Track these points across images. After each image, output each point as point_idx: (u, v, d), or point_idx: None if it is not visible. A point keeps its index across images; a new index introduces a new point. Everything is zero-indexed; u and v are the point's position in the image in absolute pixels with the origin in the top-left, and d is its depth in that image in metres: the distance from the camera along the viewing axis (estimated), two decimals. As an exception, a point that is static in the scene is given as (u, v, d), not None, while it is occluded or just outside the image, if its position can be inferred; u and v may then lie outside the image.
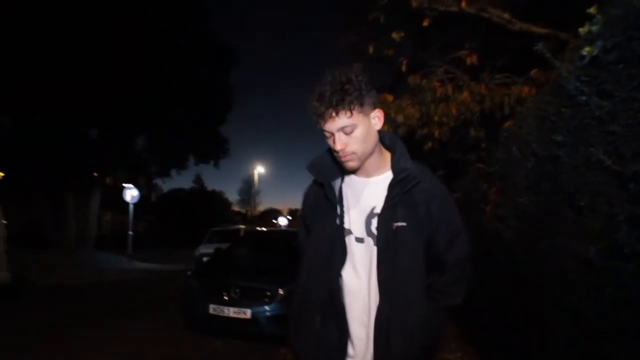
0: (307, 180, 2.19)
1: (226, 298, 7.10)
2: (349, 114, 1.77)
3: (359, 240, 1.93)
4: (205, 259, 21.07)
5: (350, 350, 1.99)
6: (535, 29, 6.61)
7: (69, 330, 7.41)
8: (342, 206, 1.97)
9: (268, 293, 7.10)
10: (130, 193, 23.40)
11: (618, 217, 1.85)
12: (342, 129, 1.80)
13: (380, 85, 9.47)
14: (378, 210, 1.88)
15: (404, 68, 7.17)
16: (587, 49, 2.03)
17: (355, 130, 1.80)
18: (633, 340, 2.02)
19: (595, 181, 1.97)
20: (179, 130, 26.21)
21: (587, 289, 2.30)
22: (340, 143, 1.81)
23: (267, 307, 7.00)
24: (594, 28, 2.03)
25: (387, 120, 7.39)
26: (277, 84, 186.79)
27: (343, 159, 1.86)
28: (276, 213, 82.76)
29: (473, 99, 6.17)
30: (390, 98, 7.12)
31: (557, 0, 7.00)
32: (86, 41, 20.23)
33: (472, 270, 1.99)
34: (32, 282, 11.27)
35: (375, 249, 1.88)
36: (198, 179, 49.54)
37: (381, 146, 1.97)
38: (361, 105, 1.80)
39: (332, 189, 1.98)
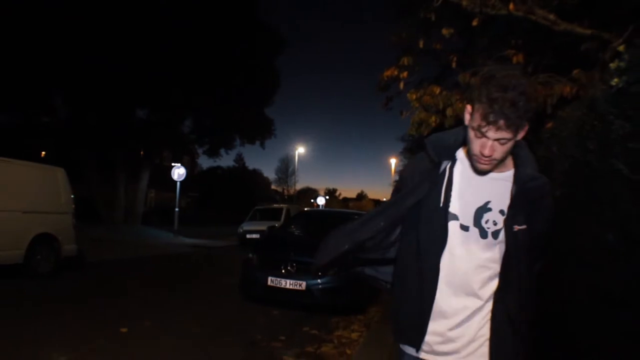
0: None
1: (283, 271, 7.86)
2: (514, 129, 1.76)
3: (464, 228, 1.91)
4: (248, 236, 21.99)
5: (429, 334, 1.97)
6: (579, 29, 6.99)
7: (132, 301, 8.25)
8: (448, 189, 1.95)
9: (321, 267, 7.82)
10: (178, 172, 24.38)
11: (626, 209, 2.45)
12: (499, 140, 1.78)
13: (427, 76, 9.92)
14: (492, 206, 1.91)
15: (454, 64, 7.68)
16: (615, 80, 2.61)
17: (507, 144, 1.79)
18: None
19: (616, 185, 2.57)
20: (226, 112, 26.99)
21: (602, 264, 2.92)
22: (490, 150, 1.79)
23: (320, 280, 7.72)
24: (622, 64, 2.61)
25: (433, 110, 7.96)
26: (322, 69, 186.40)
27: (481, 162, 1.85)
28: (313, 192, 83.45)
29: (518, 97, 6.67)
30: (437, 90, 7.64)
31: (602, 2, 7.33)
32: (136, 23, 20.96)
33: None
34: (85, 256, 11.99)
35: (481, 241, 1.89)
36: (239, 158, 50.53)
37: None
38: (522, 123, 1.78)
39: (438, 169, 1.99)
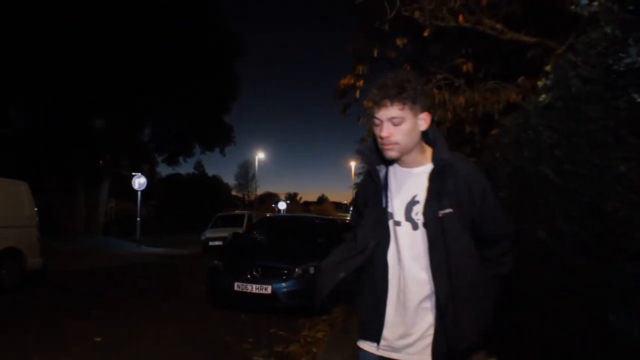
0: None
1: (249, 276, 8.10)
2: (400, 106, 1.95)
3: (397, 223, 2.08)
4: (211, 243, 22.04)
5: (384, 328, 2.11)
6: (525, 37, 7.43)
7: (102, 311, 8.35)
8: (387, 191, 2.12)
9: (286, 271, 8.12)
10: (138, 181, 24.28)
11: (553, 209, 2.83)
12: (391, 119, 1.96)
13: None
14: (418, 198, 2.05)
15: (407, 73, 8.05)
16: (543, 96, 2.98)
17: (402, 124, 1.96)
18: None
19: (545, 188, 2.94)
20: (185, 119, 26.92)
21: (540, 257, 3.30)
22: (386, 131, 1.98)
23: (285, 284, 8.01)
24: (548, 82, 2.97)
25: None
26: (281, 76, 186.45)
27: (384, 147, 2.02)
28: (274, 197, 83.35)
29: (467, 104, 7.09)
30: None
31: (544, 13, 7.78)
32: (91, 32, 20.68)
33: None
34: (49, 269, 11.86)
35: (413, 233, 2.05)
36: (199, 165, 50.28)
37: (423, 142, 2.10)
38: (413, 103, 1.97)
39: (377, 172, 2.14)
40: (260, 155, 55.32)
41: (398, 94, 1.95)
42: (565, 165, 2.70)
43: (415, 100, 1.97)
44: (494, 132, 5.17)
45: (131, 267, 16.23)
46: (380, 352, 2.11)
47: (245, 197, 69.22)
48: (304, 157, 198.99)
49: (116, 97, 23.23)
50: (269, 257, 8.49)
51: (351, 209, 2.51)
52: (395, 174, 2.14)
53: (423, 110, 2.02)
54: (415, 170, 2.08)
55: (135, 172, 27.02)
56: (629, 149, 2.16)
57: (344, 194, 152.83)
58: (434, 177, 2.01)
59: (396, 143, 1.99)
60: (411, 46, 9.45)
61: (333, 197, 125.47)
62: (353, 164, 46.31)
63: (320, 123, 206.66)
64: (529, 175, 3.28)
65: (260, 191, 76.14)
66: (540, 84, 3.05)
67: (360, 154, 2.20)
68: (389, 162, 2.14)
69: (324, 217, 16.14)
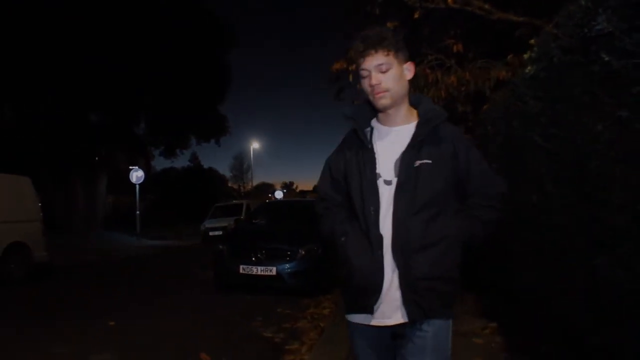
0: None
1: (254, 259, 8.35)
2: (385, 52, 1.98)
3: (387, 182, 2.04)
4: (211, 233, 22.25)
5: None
6: (513, 17, 7.61)
7: (112, 298, 8.65)
8: (372, 153, 2.10)
9: (289, 253, 8.38)
10: (136, 174, 24.45)
11: (542, 173, 3.09)
12: (378, 67, 1.99)
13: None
14: None
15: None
16: (529, 68, 3.21)
17: (390, 70, 2.00)
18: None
19: (531, 154, 3.18)
20: (180, 111, 27.03)
21: (531, 219, 3.54)
22: (375, 79, 2.00)
23: (289, 265, 8.28)
24: (533, 55, 3.20)
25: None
26: (272, 64, 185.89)
27: (376, 95, 2.03)
28: (269, 187, 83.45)
29: (459, 82, 7.31)
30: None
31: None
32: (83, 26, 20.77)
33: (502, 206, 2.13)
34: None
35: None
36: (194, 158, 50.28)
37: (408, 103, 2.14)
38: (396, 51, 2.01)
39: (364, 134, 2.15)
40: (254, 145, 55.39)
41: (381, 41, 1.99)
42: (551, 130, 2.93)
43: (397, 48, 2.02)
44: (485, 107, 5.40)
45: (134, 259, 16.56)
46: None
47: (241, 188, 69.24)
48: (298, 145, 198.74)
49: (111, 92, 23.32)
50: (272, 240, 8.75)
51: (319, 182, 2.36)
52: (379, 133, 2.14)
53: (406, 60, 2.06)
54: (401, 127, 2.09)
55: (131, 166, 27.14)
56: (604, 108, 2.38)
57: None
58: (419, 126, 2.05)
59: (387, 90, 2.02)
60: (402, 29, 9.63)
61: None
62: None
63: (313, 110, 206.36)
64: (519, 144, 3.52)
65: (256, 182, 76.23)
66: (525, 56, 3.28)
67: (347, 118, 2.19)
68: (373, 123, 2.17)
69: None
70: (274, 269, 8.22)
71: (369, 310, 2.03)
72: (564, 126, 2.83)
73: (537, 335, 4.18)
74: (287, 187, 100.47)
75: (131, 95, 24.27)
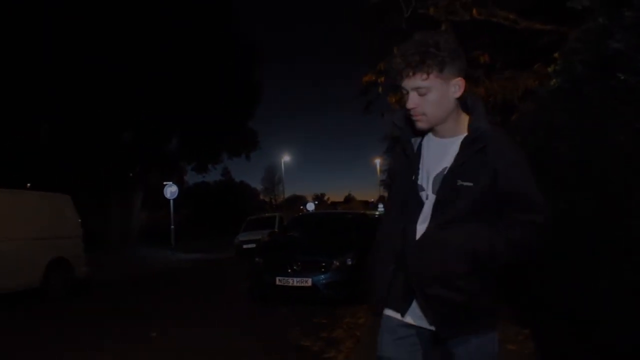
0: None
1: (290, 271, 8.55)
2: (425, 76, 1.79)
3: (427, 197, 1.94)
4: (245, 246, 22.50)
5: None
6: (538, 25, 7.69)
7: (152, 311, 8.92)
8: (418, 162, 1.98)
9: (324, 264, 8.54)
10: (170, 190, 24.95)
11: (567, 180, 3.23)
12: (416, 89, 1.82)
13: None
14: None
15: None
16: (553, 80, 3.35)
17: (429, 94, 1.82)
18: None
19: (558, 161, 3.32)
20: (210, 128, 27.55)
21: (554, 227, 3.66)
22: (412, 102, 1.84)
23: (324, 276, 8.45)
24: (557, 68, 3.35)
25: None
26: (301, 77, 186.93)
27: (415, 119, 1.89)
28: (300, 200, 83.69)
29: (487, 93, 7.43)
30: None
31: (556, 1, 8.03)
32: (117, 47, 21.45)
33: (540, 238, 1.93)
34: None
35: None
36: (226, 172, 50.93)
37: (459, 110, 1.93)
38: (440, 70, 1.79)
39: (410, 144, 2.01)
40: (285, 159, 55.90)
41: (421, 63, 1.78)
42: (575, 141, 3.06)
43: (442, 66, 1.79)
44: (513, 117, 5.52)
45: (170, 273, 16.90)
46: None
47: (273, 200, 69.67)
48: (328, 157, 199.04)
49: (144, 111, 23.96)
50: (307, 252, 8.94)
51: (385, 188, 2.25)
52: (429, 144, 1.99)
53: (456, 75, 1.84)
54: (449, 140, 1.93)
55: (165, 181, 27.69)
56: (622, 116, 2.50)
57: (370, 192, 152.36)
58: (465, 145, 1.86)
59: (424, 114, 1.86)
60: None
61: (360, 195, 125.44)
62: (378, 161, 46.75)
63: (343, 122, 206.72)
64: (546, 153, 3.65)
65: (287, 194, 76.55)
66: (550, 69, 3.42)
67: (393, 126, 2.06)
68: (424, 132, 1.98)
69: (355, 212, 16.54)
70: (310, 280, 8.40)
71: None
72: (587, 136, 2.96)
73: (568, 342, 4.25)
74: (319, 198, 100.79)
75: (164, 115, 24.83)
